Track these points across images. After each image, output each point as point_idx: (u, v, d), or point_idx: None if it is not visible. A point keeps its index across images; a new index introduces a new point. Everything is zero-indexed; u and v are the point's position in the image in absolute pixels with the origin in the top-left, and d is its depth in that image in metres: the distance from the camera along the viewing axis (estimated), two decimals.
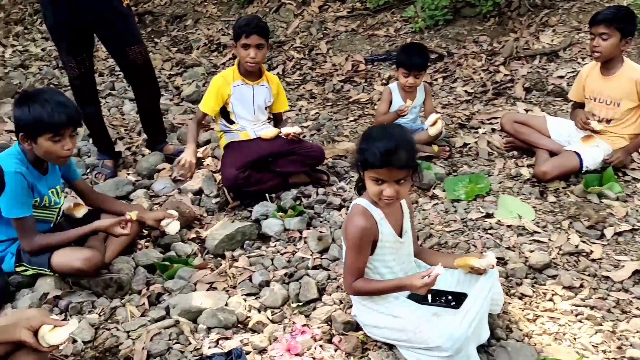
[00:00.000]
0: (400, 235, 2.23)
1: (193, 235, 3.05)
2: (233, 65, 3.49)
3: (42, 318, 1.92)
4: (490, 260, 2.17)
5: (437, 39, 5.61)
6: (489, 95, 4.72)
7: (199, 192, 3.45)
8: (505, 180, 3.45)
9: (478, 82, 4.93)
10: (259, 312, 2.45)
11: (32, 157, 2.51)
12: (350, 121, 4.54)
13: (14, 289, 2.55)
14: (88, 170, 3.76)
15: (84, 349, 2.22)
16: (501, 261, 2.65)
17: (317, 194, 3.39)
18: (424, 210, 3.20)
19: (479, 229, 2.96)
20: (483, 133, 4.08)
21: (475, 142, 3.96)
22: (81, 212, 2.85)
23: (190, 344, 2.26)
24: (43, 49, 6.25)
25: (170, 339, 2.27)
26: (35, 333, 1.88)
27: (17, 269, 2.55)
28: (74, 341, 2.21)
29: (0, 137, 4.16)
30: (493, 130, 4.12)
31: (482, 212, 3.09)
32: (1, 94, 4.88)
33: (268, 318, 2.41)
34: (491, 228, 2.96)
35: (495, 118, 4.24)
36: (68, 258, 2.47)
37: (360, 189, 2.28)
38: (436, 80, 5.11)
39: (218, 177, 3.55)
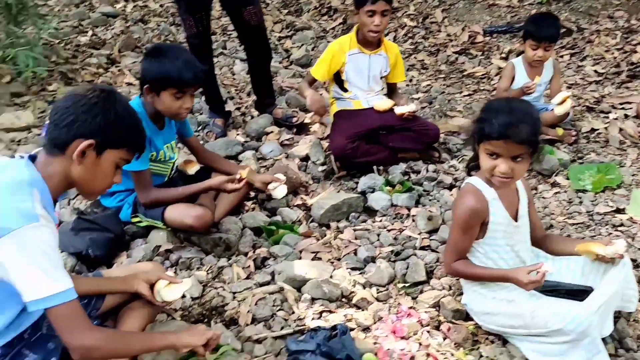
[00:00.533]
0: (515, 219, 2.06)
1: (299, 202, 3.01)
2: (345, 30, 3.36)
3: (159, 273, 1.96)
4: (619, 248, 1.93)
5: (566, 12, 5.17)
6: (622, 77, 4.29)
7: (305, 159, 3.40)
8: (639, 173, 3.12)
9: (610, 62, 4.49)
10: (364, 288, 2.38)
11: (151, 111, 2.54)
12: (464, 96, 4.30)
13: (129, 238, 2.64)
14: (199, 128, 3.82)
15: (192, 305, 2.26)
16: (633, 263, 2.39)
17: (427, 170, 3.24)
18: (544, 198, 2.96)
19: (608, 225, 2.70)
20: (614, 118, 3.71)
21: (605, 128, 3.61)
22: (193, 169, 2.88)
23: (293, 312, 2.23)
24: (161, 5, 6.40)
25: (274, 305, 2.25)
26: (152, 287, 1.92)
27: (133, 220, 2.63)
28: (183, 296, 2.24)
29: (120, 89, 4.33)
30: (626, 116, 3.74)
31: (612, 207, 2.82)
32: (122, 47, 5.07)
33: (373, 296, 2.34)
34: (622, 225, 2.69)
35: (629, 103, 3.85)
36: (181, 214, 2.51)
37: (472, 168, 2.13)
38: (562, 57, 4.71)
39: (325, 144, 3.48)
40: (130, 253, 2.55)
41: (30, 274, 1.40)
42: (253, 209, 2.94)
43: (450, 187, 3.09)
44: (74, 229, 2.49)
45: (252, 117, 3.95)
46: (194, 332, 1.73)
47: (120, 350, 1.59)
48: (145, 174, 2.54)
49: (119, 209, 2.64)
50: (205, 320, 2.19)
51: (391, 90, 3.52)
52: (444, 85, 4.51)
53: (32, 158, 1.60)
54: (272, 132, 3.69)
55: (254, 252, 2.59)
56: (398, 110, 3.23)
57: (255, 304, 2.25)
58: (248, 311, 2.21)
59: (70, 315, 1.43)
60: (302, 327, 2.13)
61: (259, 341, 2.07)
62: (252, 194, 3.00)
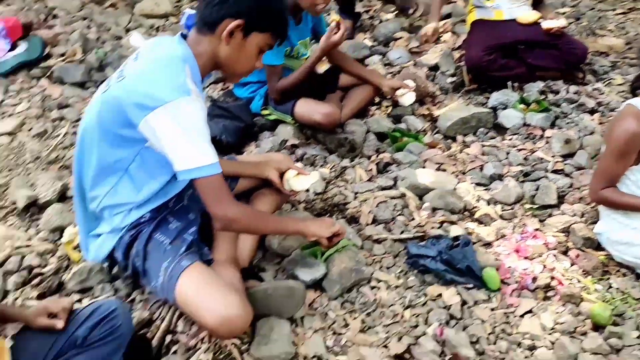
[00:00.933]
0: None
1: (425, 112, 2.92)
2: None
3: (289, 164, 2.00)
4: None
5: None
6: None
7: (434, 68, 3.26)
8: None
9: None
10: (488, 204, 2.31)
11: (290, 3, 2.50)
12: (618, 14, 3.87)
13: (258, 129, 2.71)
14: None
15: (315, 200, 2.31)
16: None
17: (567, 91, 2.99)
18: None
19: None
20: None
21: None
22: (323, 67, 2.84)
23: (413, 219, 2.22)
24: None
25: (395, 210, 2.25)
26: (281, 176, 1.97)
27: (263, 112, 2.69)
28: (307, 190, 2.29)
29: None
30: None
31: None
32: None
33: (497, 213, 2.27)
34: None
35: None
36: (310, 109, 2.53)
37: (637, 88, 1.94)
38: None
39: (456, 55, 3.31)
40: (258, 144, 2.62)
41: (181, 145, 1.46)
42: (378, 114, 2.89)
43: (592, 112, 2.85)
44: (209, 115, 2.57)
45: (381, 21, 3.81)
46: (322, 224, 1.76)
47: (257, 226, 1.67)
48: (277, 68, 2.56)
49: (250, 100, 2.71)
50: (328, 215, 2.23)
51: (538, 1, 3.21)
52: (595, 0, 4.06)
53: (184, 36, 1.64)
54: (400, 37, 3.55)
55: (377, 156, 2.58)
56: (546, 24, 2.95)
57: (377, 206, 2.26)
58: (369, 212, 2.23)
59: (217, 187, 1.50)
60: (421, 234, 2.13)
61: (378, 241, 2.10)
62: (378, 99, 2.94)
